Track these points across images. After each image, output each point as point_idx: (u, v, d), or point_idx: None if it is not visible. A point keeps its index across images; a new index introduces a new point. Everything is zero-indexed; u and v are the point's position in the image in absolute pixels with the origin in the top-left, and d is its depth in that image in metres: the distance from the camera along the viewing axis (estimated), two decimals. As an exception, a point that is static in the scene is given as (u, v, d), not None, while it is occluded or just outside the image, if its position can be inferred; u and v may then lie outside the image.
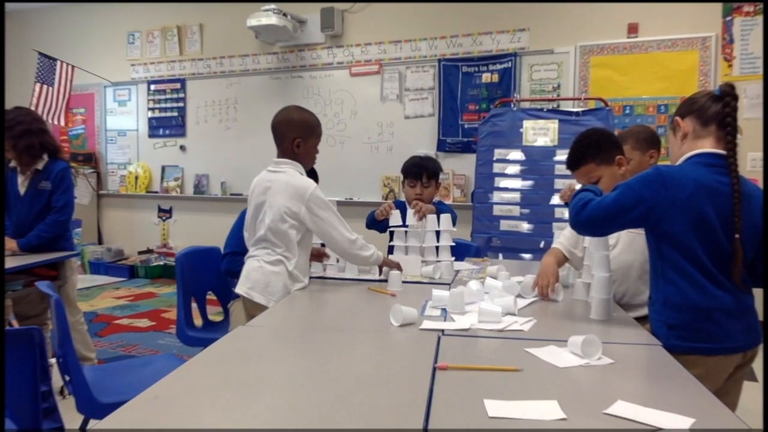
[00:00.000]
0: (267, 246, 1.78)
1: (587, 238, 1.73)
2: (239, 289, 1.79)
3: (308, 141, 1.84)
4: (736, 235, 1.27)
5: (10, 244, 2.43)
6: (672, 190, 1.29)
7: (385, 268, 1.99)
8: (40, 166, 2.49)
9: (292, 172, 1.80)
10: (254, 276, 1.77)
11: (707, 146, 1.34)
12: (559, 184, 3.52)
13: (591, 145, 1.73)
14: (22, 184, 2.51)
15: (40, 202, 2.50)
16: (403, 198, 2.57)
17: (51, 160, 2.51)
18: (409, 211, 2.18)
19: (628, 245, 1.77)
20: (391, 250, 2.16)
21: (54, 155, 2.52)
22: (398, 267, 1.97)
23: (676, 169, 1.35)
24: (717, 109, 1.34)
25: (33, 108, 4.80)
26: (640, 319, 1.55)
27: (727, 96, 1.34)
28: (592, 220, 1.35)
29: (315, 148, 1.88)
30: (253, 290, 1.75)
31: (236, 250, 2.17)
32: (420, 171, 2.38)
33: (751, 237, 1.31)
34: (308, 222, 1.76)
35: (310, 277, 1.92)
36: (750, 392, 1.40)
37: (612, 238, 1.67)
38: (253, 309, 1.74)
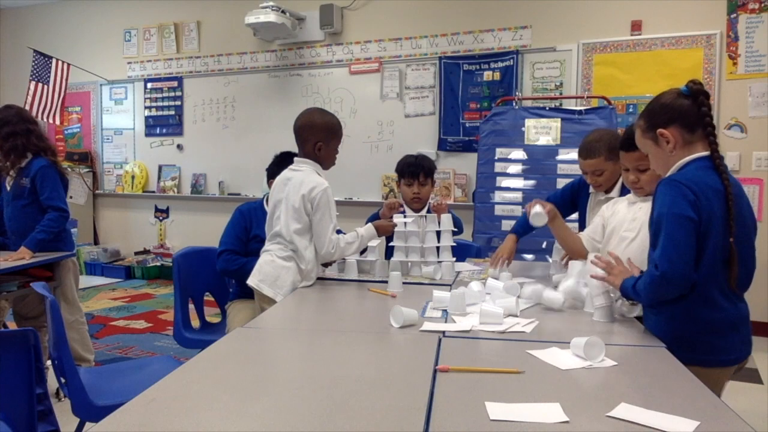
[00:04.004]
0: (281, 241, 1.86)
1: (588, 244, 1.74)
2: (251, 281, 1.86)
3: (329, 144, 1.90)
4: (731, 239, 1.26)
5: (21, 254, 2.40)
6: (702, 201, 1.26)
7: (381, 266, 2.00)
8: (23, 164, 2.54)
9: (308, 171, 1.87)
10: (266, 269, 1.85)
11: (701, 150, 1.32)
12: (561, 183, 3.50)
13: None
14: (8, 181, 2.57)
15: (21, 199, 2.53)
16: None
17: (33, 157, 2.54)
18: (408, 212, 2.17)
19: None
20: (391, 250, 2.15)
21: (37, 154, 2.54)
22: (391, 227, 1.99)
23: (690, 177, 1.30)
24: (696, 111, 1.31)
25: (28, 107, 4.79)
26: (639, 318, 1.54)
27: (701, 95, 1.31)
28: (682, 274, 1.23)
29: (335, 151, 1.94)
30: (263, 282, 1.83)
31: (231, 248, 2.17)
32: (417, 170, 2.38)
33: (745, 237, 1.31)
34: (312, 218, 1.83)
35: None
36: (755, 395, 1.39)
37: (632, 231, 1.63)
38: (263, 301, 1.83)
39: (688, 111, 1.32)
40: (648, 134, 1.38)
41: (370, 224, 1.96)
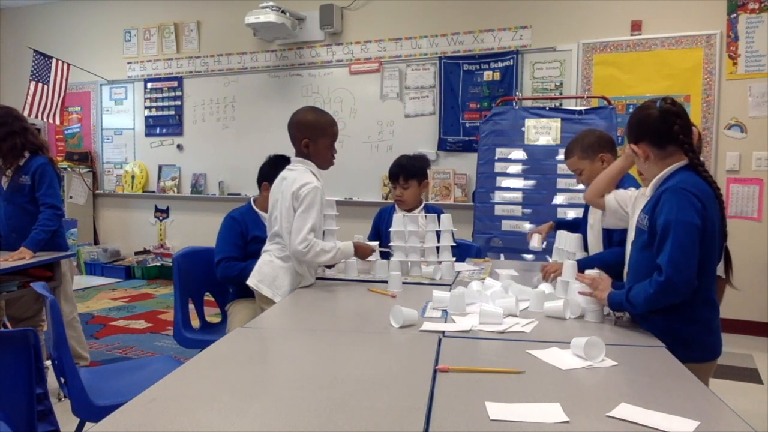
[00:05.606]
0: (279, 242, 1.86)
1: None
2: (250, 281, 1.88)
3: (317, 142, 1.88)
4: (725, 242, 1.33)
5: (21, 254, 2.39)
6: (708, 209, 1.29)
7: (381, 266, 2.00)
8: (21, 162, 2.55)
9: (303, 170, 1.87)
10: (265, 269, 1.87)
11: (677, 161, 1.36)
12: (561, 183, 3.51)
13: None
14: (5, 180, 2.57)
15: (21, 197, 2.53)
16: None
17: (31, 155, 2.55)
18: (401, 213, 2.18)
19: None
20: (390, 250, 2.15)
21: (35, 152, 2.55)
22: (370, 250, 2.00)
23: (695, 185, 1.32)
24: (665, 131, 1.34)
25: (28, 107, 4.79)
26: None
27: (671, 115, 1.33)
28: (686, 280, 1.25)
29: (327, 149, 1.91)
30: (262, 283, 1.85)
31: (228, 255, 2.18)
32: (397, 172, 2.39)
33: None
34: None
35: None
36: (755, 395, 1.39)
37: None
38: (263, 302, 1.85)
39: (657, 129, 1.35)
40: (629, 145, 1.45)
41: (350, 242, 1.95)
